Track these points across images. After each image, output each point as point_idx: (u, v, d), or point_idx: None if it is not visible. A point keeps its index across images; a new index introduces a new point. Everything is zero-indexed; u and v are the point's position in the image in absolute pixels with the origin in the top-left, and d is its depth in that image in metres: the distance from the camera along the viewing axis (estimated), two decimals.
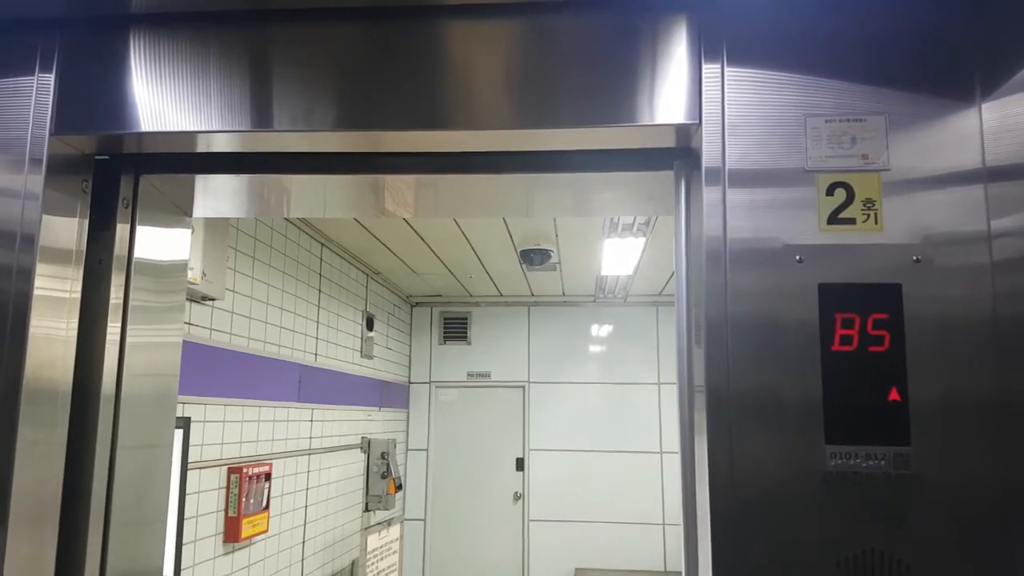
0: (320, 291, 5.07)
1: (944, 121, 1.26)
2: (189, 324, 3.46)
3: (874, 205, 1.24)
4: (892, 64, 1.28)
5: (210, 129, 1.39)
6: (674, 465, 6.97)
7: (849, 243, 1.23)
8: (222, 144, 1.45)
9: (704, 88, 1.30)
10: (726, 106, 1.29)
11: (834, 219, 1.24)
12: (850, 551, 1.16)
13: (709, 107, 1.29)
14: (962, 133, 1.25)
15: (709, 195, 1.27)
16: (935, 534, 1.15)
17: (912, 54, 1.28)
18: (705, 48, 1.31)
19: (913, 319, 1.20)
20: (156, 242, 1.60)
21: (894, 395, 1.18)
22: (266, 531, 4.11)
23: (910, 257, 1.22)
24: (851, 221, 1.24)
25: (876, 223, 1.23)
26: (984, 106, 1.25)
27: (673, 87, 1.32)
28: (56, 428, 1.38)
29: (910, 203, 1.23)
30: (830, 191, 1.25)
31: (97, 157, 1.49)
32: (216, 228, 3.47)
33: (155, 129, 1.39)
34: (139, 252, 1.54)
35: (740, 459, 1.19)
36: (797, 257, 1.24)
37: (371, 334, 6.15)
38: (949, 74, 1.27)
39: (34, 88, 1.40)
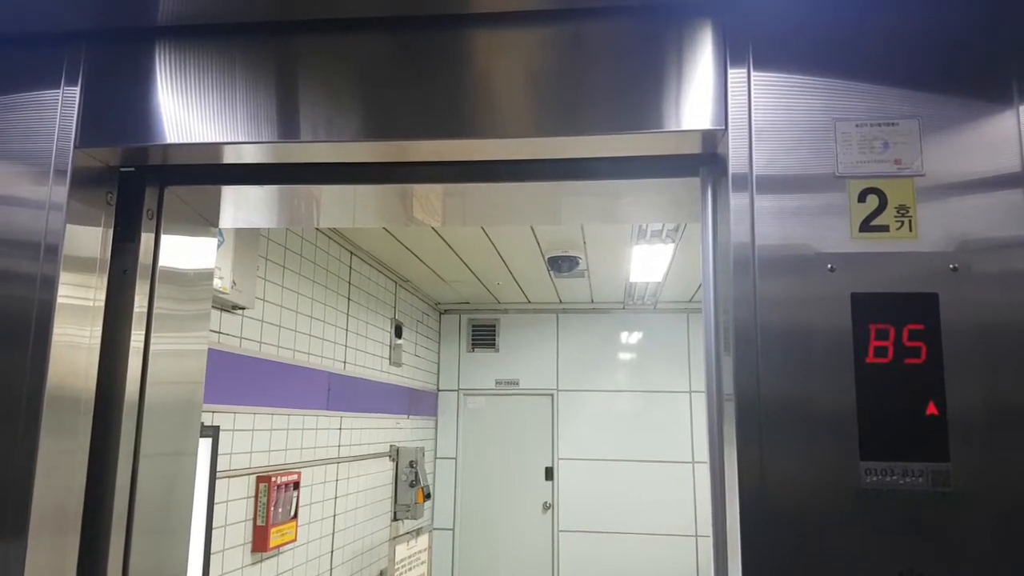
0: (349, 299, 5.10)
1: (981, 124, 1.21)
2: (219, 333, 3.49)
3: (908, 212, 1.20)
4: (925, 66, 1.24)
5: (236, 140, 1.40)
6: (706, 475, 6.86)
7: (882, 251, 1.19)
8: (248, 155, 1.46)
9: (730, 93, 1.28)
10: (753, 111, 1.26)
11: (866, 226, 1.20)
12: (887, 571, 1.12)
13: (735, 112, 1.27)
14: (1000, 136, 1.21)
15: (736, 201, 1.24)
16: (977, 553, 1.11)
17: (946, 56, 1.24)
18: (731, 52, 1.29)
19: (950, 329, 1.15)
20: (181, 252, 1.62)
21: (931, 409, 1.14)
22: (294, 540, 4.13)
23: (946, 265, 1.18)
24: (884, 228, 1.20)
25: (910, 230, 1.19)
26: (1023, 108, 1.21)
27: (699, 92, 1.29)
28: (79, 436, 1.39)
29: (946, 209, 1.19)
30: (862, 197, 1.21)
31: (122, 169, 1.50)
32: (246, 238, 3.50)
33: (180, 141, 1.40)
34: (164, 262, 1.55)
35: (771, 472, 1.16)
36: (829, 265, 1.20)
37: (400, 342, 6.17)
38: (985, 76, 1.23)
39: (59, 101, 1.42)
